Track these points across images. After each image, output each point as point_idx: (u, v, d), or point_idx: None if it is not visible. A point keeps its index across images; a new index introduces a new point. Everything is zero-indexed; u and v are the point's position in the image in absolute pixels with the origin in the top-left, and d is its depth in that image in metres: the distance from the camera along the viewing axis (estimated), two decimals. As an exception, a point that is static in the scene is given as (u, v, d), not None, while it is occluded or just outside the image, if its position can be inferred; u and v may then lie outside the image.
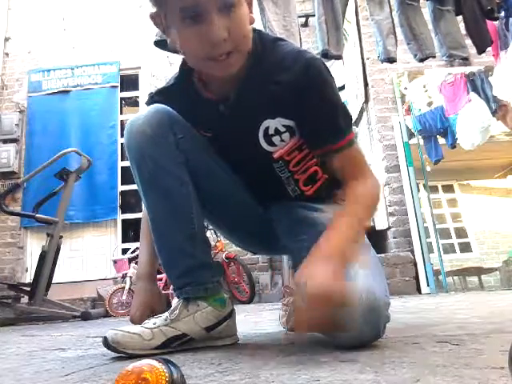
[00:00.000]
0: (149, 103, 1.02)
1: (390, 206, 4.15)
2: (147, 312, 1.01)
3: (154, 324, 0.89)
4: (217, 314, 0.93)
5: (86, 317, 3.31)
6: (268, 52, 0.90)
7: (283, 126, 0.93)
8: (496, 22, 2.99)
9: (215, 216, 1.07)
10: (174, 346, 0.89)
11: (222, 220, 1.10)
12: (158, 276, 4.15)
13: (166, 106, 0.95)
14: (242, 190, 1.03)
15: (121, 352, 0.86)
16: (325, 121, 0.88)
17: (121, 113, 5.52)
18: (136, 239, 5.14)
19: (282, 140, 0.94)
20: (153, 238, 0.96)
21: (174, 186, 0.91)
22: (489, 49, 2.96)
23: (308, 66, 0.86)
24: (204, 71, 0.90)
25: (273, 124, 0.93)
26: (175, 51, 2.42)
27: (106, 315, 3.86)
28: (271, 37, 0.95)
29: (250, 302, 4.06)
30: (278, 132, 0.93)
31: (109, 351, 0.87)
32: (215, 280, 0.95)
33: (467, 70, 4.15)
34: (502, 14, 2.85)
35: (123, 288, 4.01)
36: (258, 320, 1.85)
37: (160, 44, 2.43)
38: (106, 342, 0.86)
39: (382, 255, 3.68)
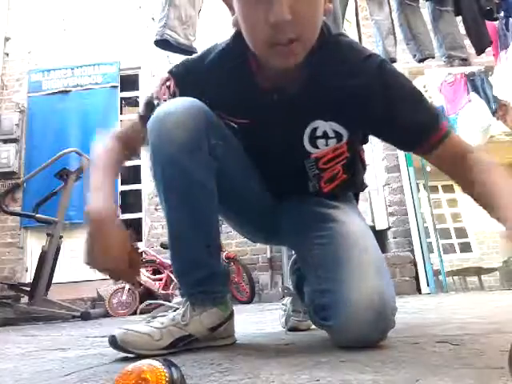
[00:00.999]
0: (180, 70, 0.94)
1: (390, 206, 4.15)
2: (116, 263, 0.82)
3: (162, 324, 0.89)
4: (220, 315, 0.93)
5: (86, 317, 3.31)
6: (333, 47, 0.84)
7: (333, 131, 0.88)
8: (496, 23, 2.99)
9: (226, 207, 1.02)
10: (179, 346, 0.89)
11: (234, 212, 1.06)
12: (158, 276, 4.16)
13: (200, 103, 0.86)
14: (260, 183, 0.99)
15: (128, 352, 0.84)
16: (415, 116, 0.80)
17: (121, 113, 5.52)
18: (136, 239, 5.14)
19: (327, 145, 0.90)
20: (169, 244, 0.93)
21: (200, 196, 0.87)
22: (489, 49, 2.96)
23: (381, 72, 0.80)
24: (262, 58, 0.81)
25: (322, 126, 0.87)
26: (181, 50, 2.43)
27: (106, 315, 3.86)
28: (335, 30, 0.88)
29: (249, 302, 4.06)
30: (325, 136, 0.88)
31: (109, 351, 0.87)
32: (224, 287, 0.96)
33: (467, 69, 4.15)
34: (502, 14, 2.85)
35: (123, 288, 4.01)
36: (257, 320, 1.85)
37: (160, 44, 2.43)
38: (114, 342, 0.84)
39: (382, 255, 3.68)
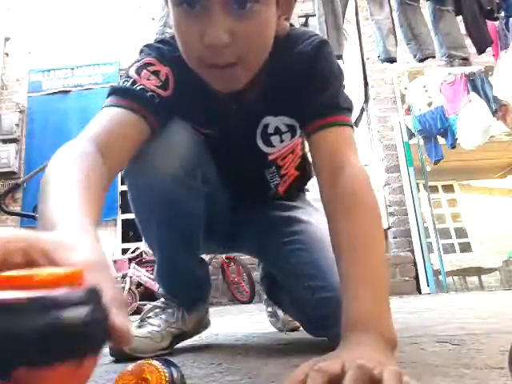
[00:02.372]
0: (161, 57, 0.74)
1: (389, 206, 4.15)
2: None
3: (160, 326, 0.91)
4: (204, 309, 1.03)
5: (86, 317, 3.31)
6: (284, 43, 0.74)
7: (285, 125, 0.81)
8: (496, 22, 2.99)
9: None
10: (176, 343, 0.95)
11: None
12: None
13: (188, 127, 0.77)
14: (225, 194, 0.92)
15: (134, 357, 0.82)
16: (325, 96, 0.72)
17: (121, 113, 5.52)
18: (136, 239, 5.14)
19: (282, 140, 0.83)
20: (158, 267, 0.92)
21: (192, 225, 0.83)
22: (489, 49, 2.96)
23: (319, 47, 0.73)
24: (203, 77, 0.68)
25: (274, 122, 0.80)
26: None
27: (106, 315, 3.86)
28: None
29: (249, 302, 4.06)
30: (278, 131, 0.81)
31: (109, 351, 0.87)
32: (209, 287, 1.01)
33: (467, 70, 4.15)
34: (502, 14, 2.85)
35: (123, 288, 4.01)
36: (257, 320, 1.84)
37: (160, 44, 2.43)
38: (120, 350, 0.83)
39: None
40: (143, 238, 0.90)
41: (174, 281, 0.94)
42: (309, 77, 0.72)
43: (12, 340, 0.20)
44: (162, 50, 0.75)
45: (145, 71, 0.71)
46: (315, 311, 0.80)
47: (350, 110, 0.74)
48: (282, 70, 0.74)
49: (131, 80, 0.70)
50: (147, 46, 0.77)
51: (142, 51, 0.77)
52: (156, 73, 0.72)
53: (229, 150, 0.83)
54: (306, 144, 0.90)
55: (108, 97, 0.69)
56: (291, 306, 0.96)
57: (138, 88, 0.69)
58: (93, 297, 0.23)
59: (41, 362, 0.21)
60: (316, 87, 0.72)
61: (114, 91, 0.69)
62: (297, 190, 1.00)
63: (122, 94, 0.68)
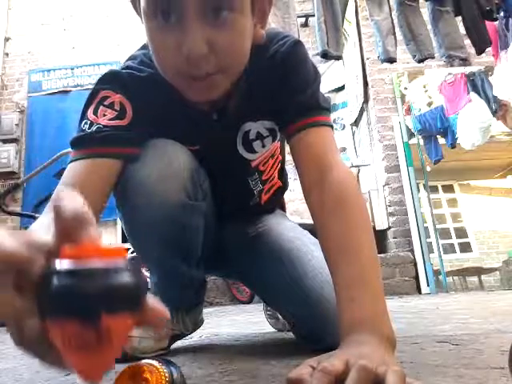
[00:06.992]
0: (116, 85, 0.72)
1: (389, 206, 4.15)
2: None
3: None
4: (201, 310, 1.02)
5: (85, 317, 3.31)
6: (262, 46, 0.73)
7: (266, 129, 0.80)
8: (496, 23, 2.99)
9: None
10: (173, 343, 0.96)
11: None
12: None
13: (180, 146, 0.74)
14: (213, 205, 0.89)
15: (133, 357, 0.82)
16: (304, 96, 0.72)
17: (121, 113, 5.53)
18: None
19: (264, 145, 0.82)
20: (157, 280, 0.90)
21: (194, 241, 0.81)
22: (489, 49, 2.96)
23: (293, 47, 0.73)
24: (179, 89, 0.67)
25: (255, 128, 0.79)
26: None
27: (106, 315, 3.86)
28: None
29: (249, 302, 4.06)
30: (259, 136, 0.80)
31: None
32: (205, 290, 1.00)
33: (467, 70, 4.15)
34: (502, 14, 2.85)
35: (123, 288, 4.01)
36: (257, 320, 1.84)
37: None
38: (124, 353, 0.82)
39: (382, 255, 3.68)
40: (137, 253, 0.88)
41: (175, 293, 0.93)
42: (286, 78, 0.73)
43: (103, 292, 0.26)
44: (121, 77, 0.74)
45: (101, 108, 0.71)
46: (299, 328, 0.84)
47: (329, 109, 0.75)
48: (259, 74, 0.73)
49: (89, 122, 0.70)
50: (106, 75, 0.76)
51: (97, 82, 0.75)
52: (111, 104, 0.71)
53: (212, 160, 0.81)
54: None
55: (72, 148, 0.71)
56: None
57: (94, 129, 0.69)
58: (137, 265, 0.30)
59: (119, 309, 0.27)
60: (294, 88, 0.72)
61: (73, 144, 0.71)
62: (276, 199, 0.98)
63: (81, 145, 0.70)
